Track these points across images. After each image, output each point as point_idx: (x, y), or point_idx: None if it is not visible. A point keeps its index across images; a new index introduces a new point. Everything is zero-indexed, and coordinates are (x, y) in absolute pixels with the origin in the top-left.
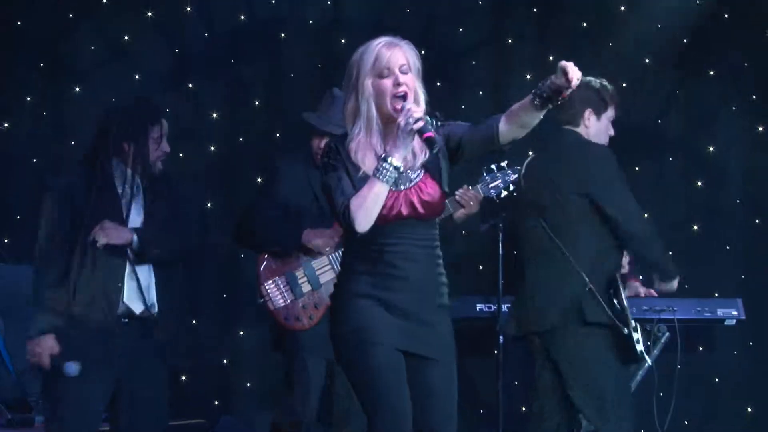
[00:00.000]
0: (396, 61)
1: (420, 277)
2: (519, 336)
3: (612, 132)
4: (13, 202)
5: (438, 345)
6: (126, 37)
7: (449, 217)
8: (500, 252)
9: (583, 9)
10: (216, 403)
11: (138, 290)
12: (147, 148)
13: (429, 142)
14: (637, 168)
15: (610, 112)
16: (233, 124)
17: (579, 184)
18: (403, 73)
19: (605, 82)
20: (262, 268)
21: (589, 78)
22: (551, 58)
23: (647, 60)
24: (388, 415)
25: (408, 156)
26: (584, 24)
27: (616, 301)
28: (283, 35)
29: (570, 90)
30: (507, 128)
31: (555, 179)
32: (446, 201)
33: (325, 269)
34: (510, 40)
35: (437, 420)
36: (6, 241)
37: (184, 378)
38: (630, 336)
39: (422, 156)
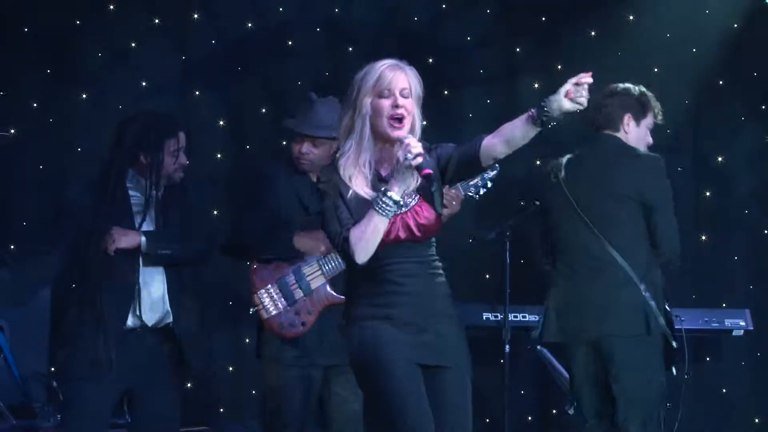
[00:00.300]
0: (398, 83)
1: (421, 290)
2: (559, 342)
3: (650, 140)
4: (19, 209)
5: (448, 353)
6: (133, 44)
7: None
8: (507, 260)
9: (592, 17)
10: (221, 410)
11: (151, 301)
12: (162, 160)
13: (427, 179)
14: None
15: (649, 119)
16: (240, 132)
17: (636, 189)
18: (404, 96)
19: (644, 89)
20: (254, 277)
21: (627, 84)
22: (559, 66)
23: (656, 69)
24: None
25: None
26: (592, 33)
27: (667, 311)
28: (290, 42)
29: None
30: (490, 146)
31: (607, 182)
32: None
33: (315, 275)
34: (518, 49)
35: (451, 427)
36: (12, 247)
37: (189, 385)
38: (677, 349)
39: (417, 182)
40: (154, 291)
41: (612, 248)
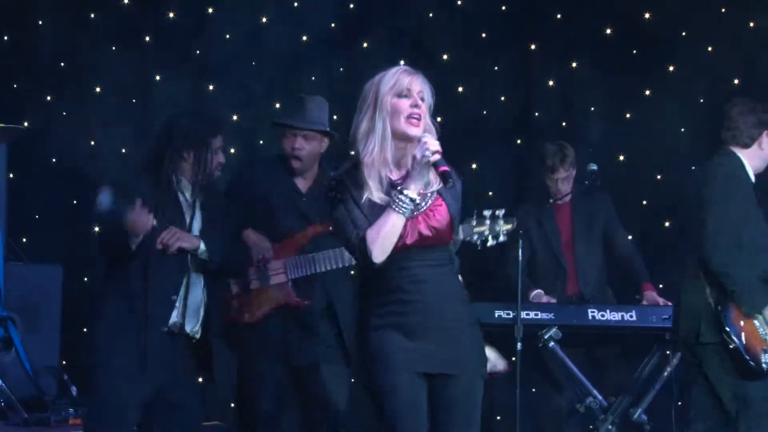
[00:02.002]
0: (415, 86)
1: (430, 297)
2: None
3: None
4: (32, 202)
5: (457, 360)
6: (146, 38)
7: None
8: (519, 258)
9: (607, 15)
10: (233, 405)
11: (192, 306)
12: (208, 158)
13: (444, 176)
14: (658, 177)
15: None
16: (253, 127)
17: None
18: (421, 99)
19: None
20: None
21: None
22: (574, 64)
23: (671, 68)
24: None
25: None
26: (608, 31)
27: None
28: (304, 38)
29: None
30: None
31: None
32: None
33: (279, 272)
34: (533, 46)
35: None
36: (24, 240)
37: (201, 380)
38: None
39: (436, 184)
40: (195, 296)
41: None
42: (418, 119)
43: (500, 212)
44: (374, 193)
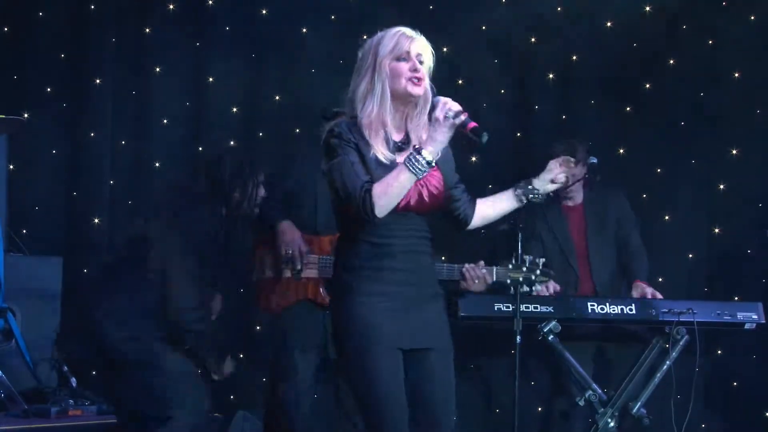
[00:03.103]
0: (415, 49)
1: (414, 268)
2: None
3: None
4: (32, 194)
5: (433, 336)
6: (147, 30)
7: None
8: (519, 251)
9: (607, 9)
10: (231, 397)
11: None
12: (255, 193)
13: (476, 132)
14: (659, 170)
15: None
16: (253, 119)
17: None
18: (420, 62)
19: None
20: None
21: None
22: (574, 57)
23: (671, 61)
24: (386, 416)
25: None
26: (608, 23)
27: None
28: (304, 30)
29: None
30: (477, 222)
31: None
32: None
33: (312, 267)
34: (533, 39)
35: (437, 400)
36: (24, 231)
37: (199, 372)
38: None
39: (437, 154)
40: None
41: None
42: (419, 80)
43: (540, 261)
44: (380, 151)
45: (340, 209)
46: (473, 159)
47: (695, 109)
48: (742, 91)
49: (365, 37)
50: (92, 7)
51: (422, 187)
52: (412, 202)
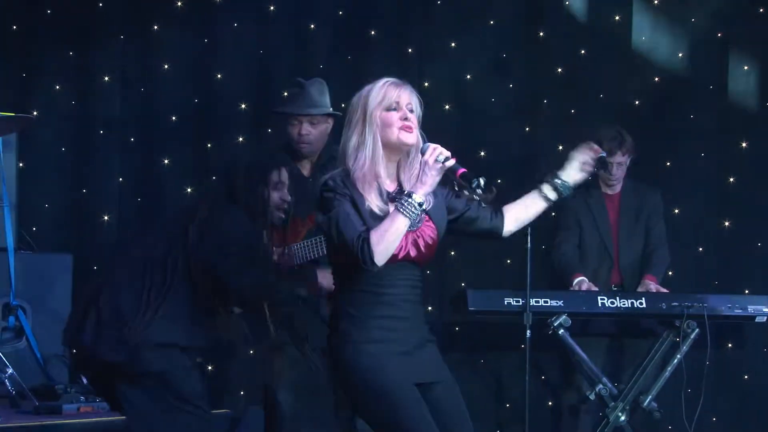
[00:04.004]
0: (405, 98)
1: (412, 316)
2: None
3: None
4: (41, 192)
5: (439, 368)
6: (155, 27)
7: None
8: (529, 245)
9: (617, 4)
10: (242, 393)
11: None
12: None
13: (465, 178)
14: (668, 163)
15: None
16: (261, 115)
17: None
18: (410, 111)
19: None
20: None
21: None
22: (582, 51)
23: (680, 54)
24: None
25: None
26: (617, 17)
27: None
28: (312, 26)
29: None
30: (511, 227)
31: None
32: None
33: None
34: (541, 33)
35: (459, 425)
36: (34, 229)
37: (210, 369)
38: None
39: (426, 203)
40: None
41: None
42: (410, 128)
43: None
44: (374, 203)
45: (337, 260)
46: (482, 153)
47: (705, 101)
48: (753, 83)
49: (372, 33)
50: (100, 4)
51: (418, 237)
52: (412, 253)
